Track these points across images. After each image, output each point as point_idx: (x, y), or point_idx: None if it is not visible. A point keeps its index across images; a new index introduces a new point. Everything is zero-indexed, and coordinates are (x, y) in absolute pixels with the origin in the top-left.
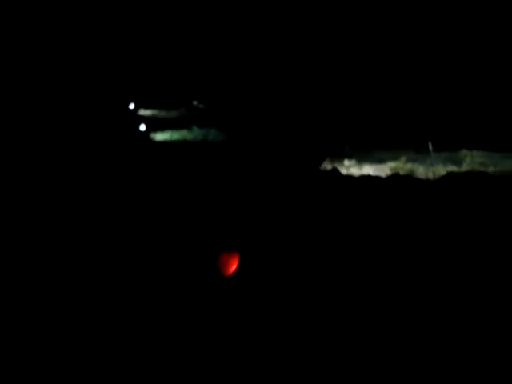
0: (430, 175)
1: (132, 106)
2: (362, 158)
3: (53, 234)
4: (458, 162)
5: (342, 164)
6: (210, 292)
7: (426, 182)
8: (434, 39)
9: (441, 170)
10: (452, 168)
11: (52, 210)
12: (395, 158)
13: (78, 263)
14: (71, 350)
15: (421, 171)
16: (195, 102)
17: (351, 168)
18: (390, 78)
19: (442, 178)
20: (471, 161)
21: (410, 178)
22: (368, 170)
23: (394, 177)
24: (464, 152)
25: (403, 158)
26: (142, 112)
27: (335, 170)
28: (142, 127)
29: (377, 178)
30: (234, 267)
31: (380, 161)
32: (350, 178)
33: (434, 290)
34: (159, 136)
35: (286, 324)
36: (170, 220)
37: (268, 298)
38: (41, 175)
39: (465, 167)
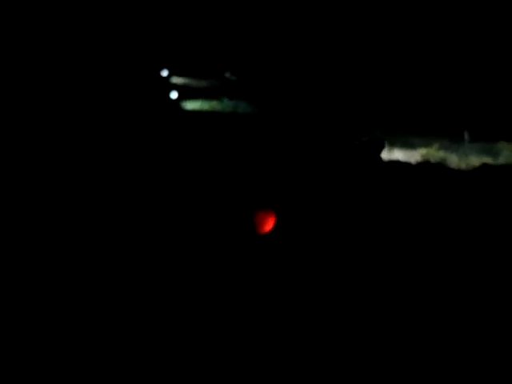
0: (463, 165)
1: (165, 72)
2: (392, 142)
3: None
4: (495, 154)
5: None
6: (245, 249)
7: (457, 172)
8: (471, 28)
9: (475, 160)
10: (487, 160)
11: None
12: (427, 145)
13: (111, 229)
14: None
15: (453, 160)
16: (228, 74)
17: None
18: (429, 64)
19: (476, 169)
20: (509, 154)
21: (441, 166)
22: (397, 155)
23: (425, 164)
24: (502, 144)
25: (436, 145)
26: (175, 80)
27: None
28: (174, 95)
29: (406, 164)
30: (270, 226)
31: (411, 146)
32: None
33: (458, 284)
34: (190, 105)
35: (321, 286)
36: (207, 179)
37: (302, 259)
38: (70, 139)
39: (501, 160)
